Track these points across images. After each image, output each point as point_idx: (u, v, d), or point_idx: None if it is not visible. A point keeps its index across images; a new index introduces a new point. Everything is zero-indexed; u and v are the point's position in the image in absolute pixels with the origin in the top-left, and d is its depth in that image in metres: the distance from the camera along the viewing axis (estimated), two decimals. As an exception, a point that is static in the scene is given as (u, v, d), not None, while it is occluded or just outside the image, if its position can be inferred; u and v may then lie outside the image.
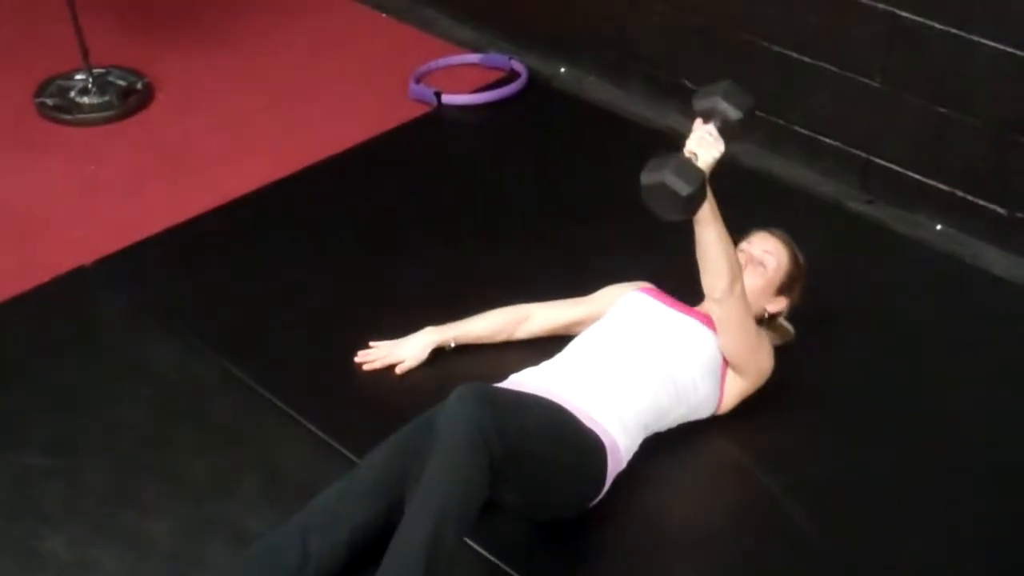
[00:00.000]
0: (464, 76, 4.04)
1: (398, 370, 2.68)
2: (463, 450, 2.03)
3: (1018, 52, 2.98)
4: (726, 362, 2.51)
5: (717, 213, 2.28)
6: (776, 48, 3.45)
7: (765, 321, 2.63)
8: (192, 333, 2.80)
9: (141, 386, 2.64)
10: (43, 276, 3.01)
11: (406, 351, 2.71)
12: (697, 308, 2.57)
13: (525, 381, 2.44)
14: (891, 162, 3.35)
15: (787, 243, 2.64)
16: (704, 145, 2.26)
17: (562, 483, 2.26)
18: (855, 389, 2.73)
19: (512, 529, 2.30)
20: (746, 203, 3.31)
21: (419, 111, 3.85)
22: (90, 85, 3.82)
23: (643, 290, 2.65)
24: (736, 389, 2.56)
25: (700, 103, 2.32)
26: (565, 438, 2.26)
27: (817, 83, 3.40)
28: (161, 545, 2.25)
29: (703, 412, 2.54)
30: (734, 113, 2.28)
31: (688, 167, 2.18)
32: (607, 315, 2.62)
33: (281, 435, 2.52)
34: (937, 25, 3.09)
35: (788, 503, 2.40)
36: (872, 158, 3.39)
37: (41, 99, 3.80)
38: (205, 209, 3.31)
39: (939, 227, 3.30)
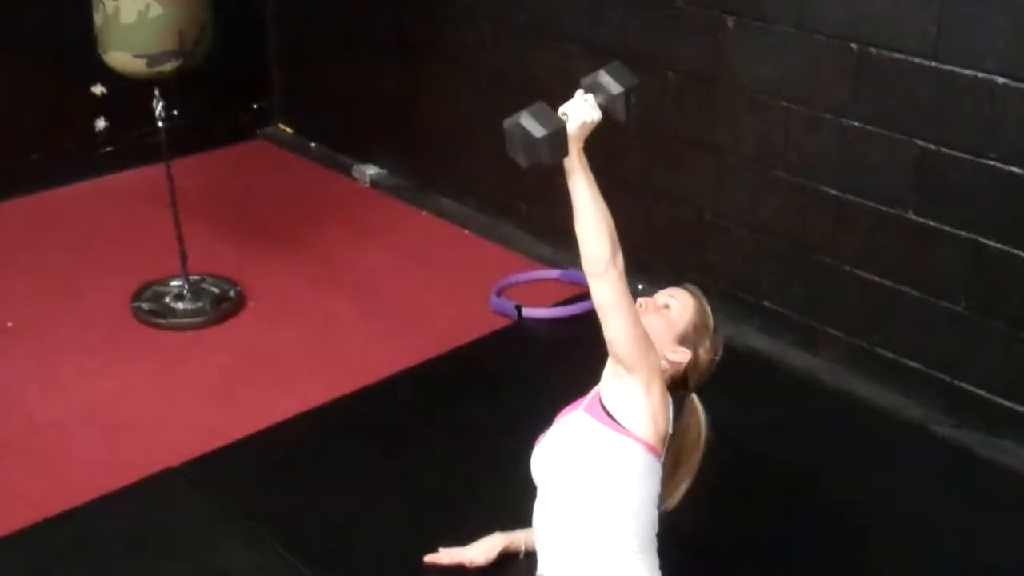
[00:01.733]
0: (544, 291, 4.13)
1: (467, 564, 2.67)
2: None
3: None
4: (611, 417, 2.36)
5: (590, 175, 2.24)
6: (860, 272, 3.52)
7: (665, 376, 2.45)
8: (273, 539, 2.80)
9: (223, 591, 2.64)
10: (131, 476, 3.05)
11: (474, 552, 2.70)
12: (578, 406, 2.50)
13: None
14: (976, 386, 3.34)
15: (695, 295, 2.55)
16: (577, 109, 2.25)
17: None
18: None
19: None
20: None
21: (500, 323, 3.93)
22: (185, 291, 3.97)
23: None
24: (636, 404, 2.35)
25: (585, 79, 2.34)
26: None
27: (899, 307, 3.44)
28: None
29: (643, 459, 2.36)
30: (615, 88, 2.29)
31: (548, 114, 2.19)
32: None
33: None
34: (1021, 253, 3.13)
35: None
36: (956, 381, 3.37)
37: (137, 303, 3.95)
38: (289, 415, 3.37)
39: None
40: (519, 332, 3.90)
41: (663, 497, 2.44)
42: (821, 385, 3.57)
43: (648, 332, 2.35)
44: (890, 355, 3.51)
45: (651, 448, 2.36)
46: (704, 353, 2.50)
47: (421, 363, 3.65)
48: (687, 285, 2.59)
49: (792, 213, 3.65)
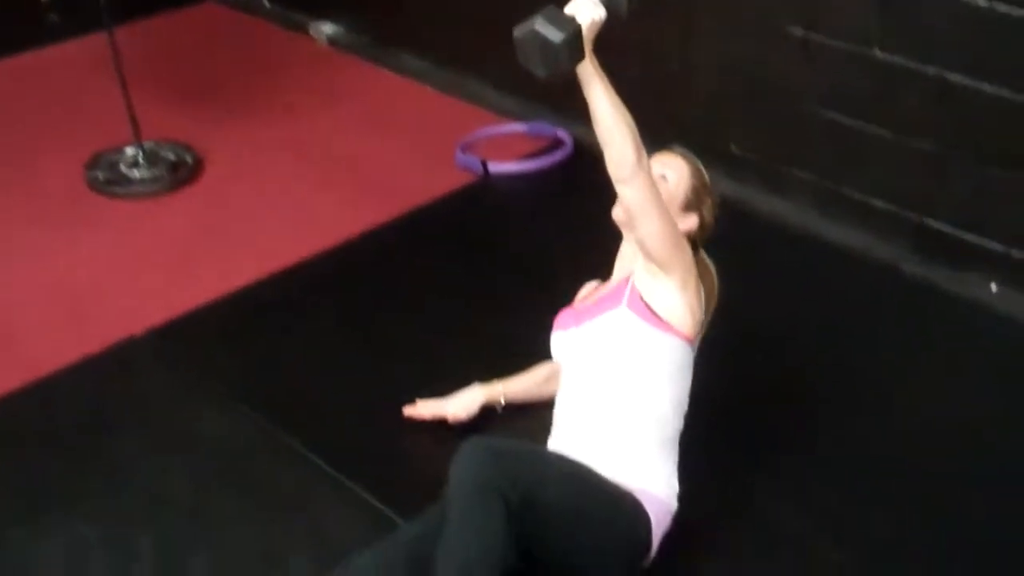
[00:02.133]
0: (510, 146, 4.05)
1: (450, 419, 2.65)
2: (474, 502, 2.00)
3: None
4: (653, 314, 2.34)
5: (605, 78, 2.17)
6: (827, 113, 3.45)
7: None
8: (240, 401, 2.79)
9: (189, 455, 2.63)
10: (95, 347, 3.02)
11: (455, 406, 2.68)
12: (615, 280, 2.49)
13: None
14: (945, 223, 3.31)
15: (687, 157, 2.50)
16: (582, 8, 2.17)
17: (599, 540, 2.20)
18: (916, 453, 2.66)
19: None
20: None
21: (466, 180, 3.86)
22: (140, 159, 3.87)
23: (558, 320, 2.55)
24: (674, 300, 2.35)
25: None
26: (591, 490, 2.21)
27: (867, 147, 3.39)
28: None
29: (682, 352, 2.37)
30: None
31: (562, 17, 2.09)
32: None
33: (330, 502, 2.49)
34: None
35: None
36: (925, 219, 3.35)
37: (92, 172, 3.86)
38: (253, 280, 3.32)
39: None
40: (486, 189, 3.84)
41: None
42: (790, 230, 3.55)
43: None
44: (858, 196, 3.47)
45: (690, 340, 2.37)
46: (707, 212, 2.49)
47: (385, 223, 3.61)
48: (675, 148, 2.52)
49: (756, 54, 3.57)
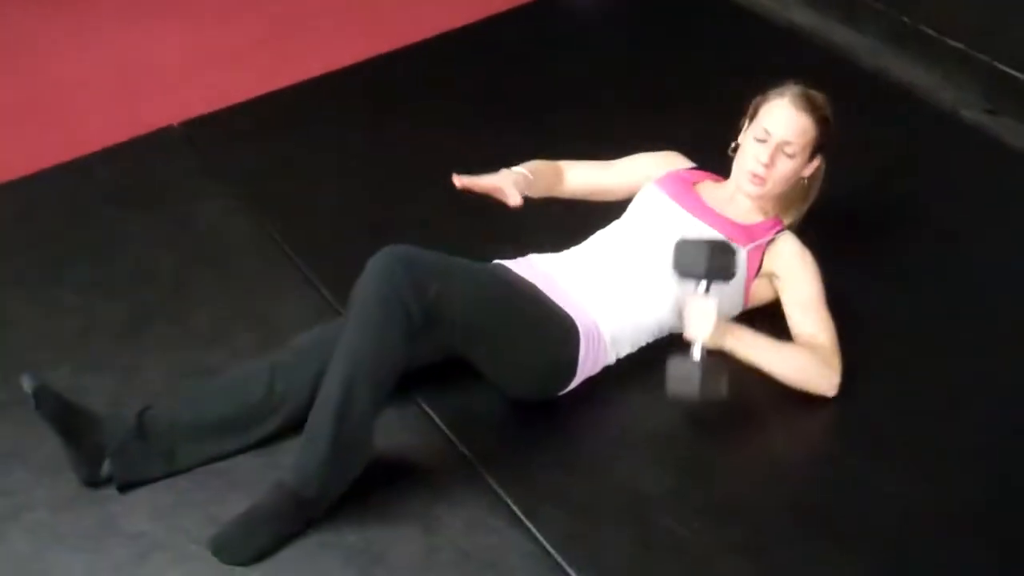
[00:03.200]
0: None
1: (511, 202, 2.28)
2: (373, 309, 2.03)
3: None
4: (752, 274, 2.37)
5: (756, 337, 2.24)
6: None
7: (803, 186, 2.46)
8: (244, 194, 2.91)
9: (180, 237, 2.78)
10: (136, 131, 3.18)
11: (504, 181, 2.31)
12: (724, 213, 2.42)
13: (529, 259, 2.41)
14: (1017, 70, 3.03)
15: (807, 110, 2.36)
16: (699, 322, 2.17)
17: (515, 353, 2.21)
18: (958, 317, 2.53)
19: (474, 406, 2.29)
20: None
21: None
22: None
23: (667, 180, 2.50)
24: (765, 293, 2.42)
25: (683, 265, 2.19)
26: (513, 306, 2.21)
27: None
28: (151, 385, 2.36)
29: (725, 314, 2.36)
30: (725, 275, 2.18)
31: (710, 375, 2.13)
32: (628, 210, 2.50)
33: (292, 295, 2.59)
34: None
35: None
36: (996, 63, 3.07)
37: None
38: (299, 80, 3.39)
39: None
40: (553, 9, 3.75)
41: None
42: (859, 64, 3.32)
43: (791, 179, 2.39)
44: (931, 32, 3.20)
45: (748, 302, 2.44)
46: (831, 141, 2.42)
47: (439, 34, 3.59)
48: (791, 93, 2.37)
49: None
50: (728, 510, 2.12)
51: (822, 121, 2.38)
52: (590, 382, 2.31)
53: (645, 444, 2.26)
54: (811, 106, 2.36)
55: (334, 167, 3.06)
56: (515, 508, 2.10)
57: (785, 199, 2.48)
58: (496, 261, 2.41)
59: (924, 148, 3.02)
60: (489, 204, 2.32)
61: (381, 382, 2.06)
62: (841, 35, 3.41)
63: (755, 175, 2.37)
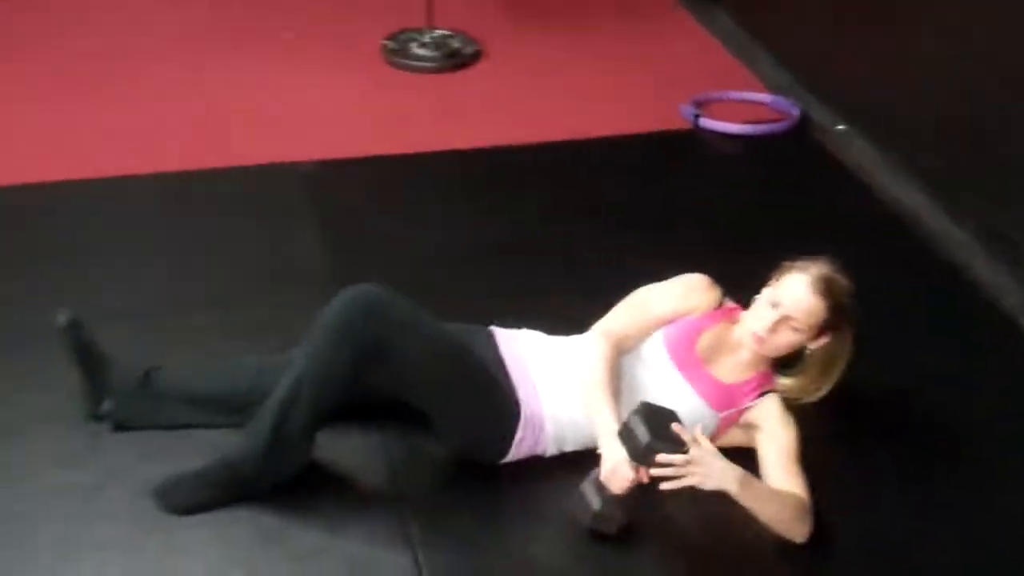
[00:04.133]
0: (747, 112, 4.16)
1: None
2: (328, 334, 2.32)
3: None
4: (725, 427, 2.53)
5: (749, 493, 2.30)
6: None
7: (805, 355, 2.58)
8: (338, 236, 3.34)
9: (275, 252, 3.23)
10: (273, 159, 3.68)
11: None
12: (714, 372, 2.54)
13: (520, 336, 2.62)
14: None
15: (822, 293, 2.47)
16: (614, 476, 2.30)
17: (453, 415, 2.44)
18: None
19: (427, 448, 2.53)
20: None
21: (679, 126, 4.05)
22: (428, 40, 4.47)
23: (675, 331, 2.58)
24: (738, 439, 2.54)
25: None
26: (459, 371, 2.43)
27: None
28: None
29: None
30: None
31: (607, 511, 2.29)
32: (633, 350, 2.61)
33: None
34: None
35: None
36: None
37: (387, 43, 4.49)
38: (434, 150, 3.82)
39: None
40: (694, 139, 4.00)
41: (808, 393, 2.63)
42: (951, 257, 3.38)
43: (790, 348, 2.52)
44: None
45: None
46: (847, 326, 2.55)
47: (588, 139, 3.93)
48: (809, 270, 2.49)
49: None
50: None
51: (835, 308, 2.48)
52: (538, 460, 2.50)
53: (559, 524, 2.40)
54: (827, 291, 2.47)
55: (437, 239, 3.34)
56: (415, 540, 2.33)
57: (782, 357, 2.59)
58: (491, 327, 2.64)
59: (981, 348, 3.06)
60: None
61: (322, 396, 2.34)
62: (938, 222, 3.48)
63: (756, 336, 2.49)
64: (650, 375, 2.55)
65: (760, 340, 2.49)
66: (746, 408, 2.53)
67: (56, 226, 3.28)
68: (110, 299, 2.94)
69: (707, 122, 4.00)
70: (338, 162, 3.69)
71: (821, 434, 2.58)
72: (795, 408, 2.56)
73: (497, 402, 2.46)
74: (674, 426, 2.27)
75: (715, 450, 2.29)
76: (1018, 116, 3.23)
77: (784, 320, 2.47)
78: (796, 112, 4.05)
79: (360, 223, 3.38)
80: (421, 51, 4.44)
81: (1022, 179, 3.24)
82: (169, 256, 3.19)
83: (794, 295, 2.47)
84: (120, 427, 2.54)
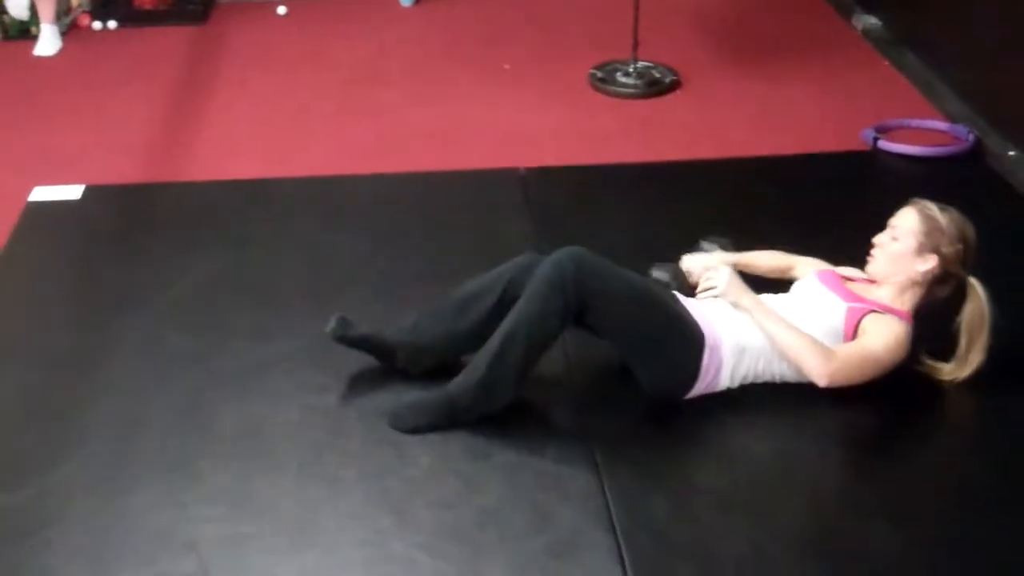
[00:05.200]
0: (925, 138, 4.43)
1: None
2: (542, 289, 2.77)
3: None
4: (851, 333, 2.86)
5: (765, 308, 2.84)
6: None
7: (920, 282, 2.92)
8: (545, 236, 3.82)
9: (481, 250, 3.75)
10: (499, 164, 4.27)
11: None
12: (860, 295, 2.94)
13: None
14: None
15: (919, 207, 2.93)
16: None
17: (647, 351, 2.85)
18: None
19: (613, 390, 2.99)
20: None
21: (856, 147, 4.39)
22: (631, 70, 4.98)
23: (826, 272, 3.06)
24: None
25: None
26: (654, 310, 2.86)
27: None
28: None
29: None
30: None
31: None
32: (793, 286, 3.09)
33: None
34: None
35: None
36: None
37: (595, 72, 5.03)
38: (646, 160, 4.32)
39: None
40: (872, 161, 4.32)
41: (955, 373, 2.95)
42: None
43: (896, 261, 2.92)
44: None
45: None
46: (947, 247, 2.89)
47: (769, 156, 4.33)
48: (915, 201, 2.97)
49: None
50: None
51: (930, 221, 2.90)
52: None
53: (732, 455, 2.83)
54: (929, 215, 2.92)
55: (630, 236, 3.71)
56: (599, 462, 2.76)
57: (912, 295, 2.94)
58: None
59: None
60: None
61: (533, 345, 2.80)
62: None
63: (871, 251, 2.98)
64: (805, 300, 2.97)
65: (875, 249, 2.95)
66: (870, 311, 2.87)
67: (321, 213, 3.95)
68: (367, 275, 3.54)
69: (885, 144, 4.32)
70: (549, 169, 4.22)
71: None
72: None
73: (686, 330, 2.86)
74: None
75: (740, 279, 2.88)
76: None
77: (889, 231, 2.95)
78: (971, 138, 4.33)
79: (565, 220, 3.85)
80: (625, 79, 4.95)
81: None
82: (411, 240, 3.75)
83: (900, 213, 2.98)
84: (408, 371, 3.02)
